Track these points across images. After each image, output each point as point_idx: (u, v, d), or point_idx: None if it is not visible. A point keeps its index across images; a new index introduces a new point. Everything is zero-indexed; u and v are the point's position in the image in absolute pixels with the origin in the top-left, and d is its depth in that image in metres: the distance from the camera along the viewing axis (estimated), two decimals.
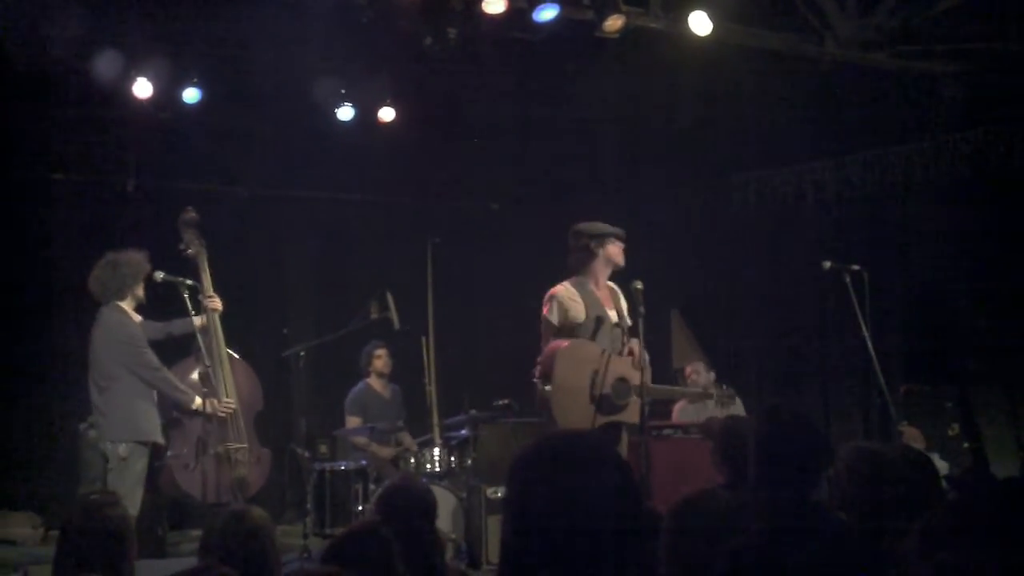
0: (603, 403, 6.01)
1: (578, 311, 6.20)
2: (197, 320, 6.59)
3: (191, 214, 6.83)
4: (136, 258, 6.48)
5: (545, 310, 6.25)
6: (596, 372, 5.99)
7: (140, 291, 6.48)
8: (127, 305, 6.44)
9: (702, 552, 3.12)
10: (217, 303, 6.73)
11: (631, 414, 6.05)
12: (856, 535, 3.29)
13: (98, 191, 9.02)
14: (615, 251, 6.42)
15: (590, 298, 6.27)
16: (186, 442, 6.52)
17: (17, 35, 7.27)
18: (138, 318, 6.49)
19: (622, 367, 6.09)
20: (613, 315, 6.30)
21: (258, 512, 3.43)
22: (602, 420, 6.01)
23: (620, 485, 2.08)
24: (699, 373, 8.07)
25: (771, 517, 3.27)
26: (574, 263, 6.39)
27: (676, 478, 6.02)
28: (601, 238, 6.39)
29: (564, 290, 6.26)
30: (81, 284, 6.53)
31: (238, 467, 6.47)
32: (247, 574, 3.17)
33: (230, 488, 6.42)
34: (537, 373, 6.13)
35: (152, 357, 6.39)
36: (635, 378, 5.99)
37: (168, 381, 6.40)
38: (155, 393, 6.41)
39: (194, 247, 6.77)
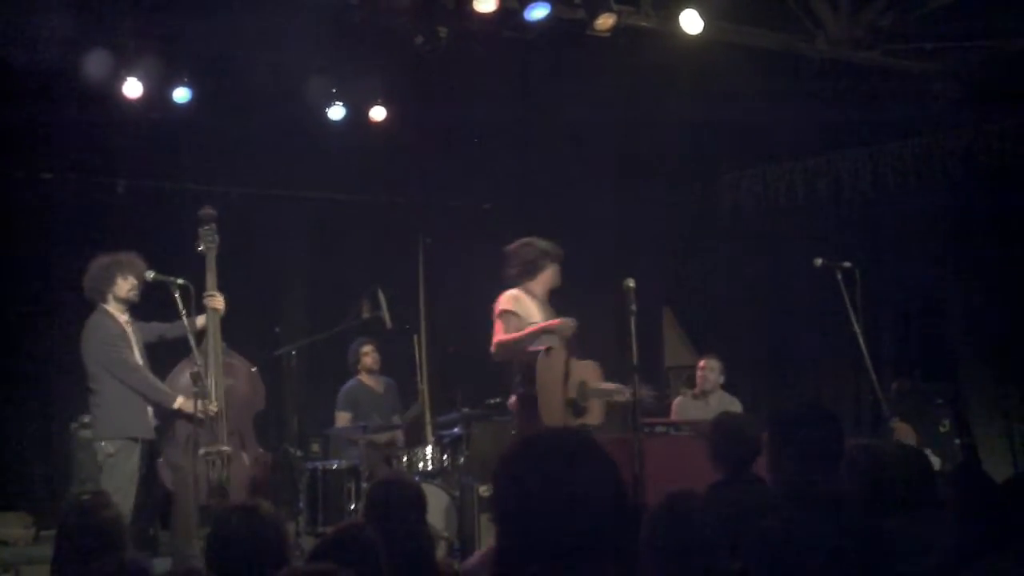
0: (574, 407, 6.11)
1: (533, 313, 6.28)
2: (199, 319, 6.59)
3: (210, 211, 6.83)
4: (113, 260, 6.49)
5: (507, 305, 6.26)
6: (567, 376, 6.10)
7: (123, 292, 6.45)
8: (112, 306, 6.46)
9: (680, 554, 3.14)
10: (219, 302, 6.71)
11: (594, 416, 6.17)
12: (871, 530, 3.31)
13: (88, 191, 8.99)
14: (557, 272, 6.51)
15: (538, 306, 6.36)
16: (177, 442, 6.52)
17: (7, 35, 7.24)
18: (123, 318, 6.48)
19: (582, 371, 6.17)
20: None
21: (267, 506, 3.42)
22: (575, 423, 6.09)
23: (605, 480, 2.08)
24: (712, 370, 8.00)
25: (793, 502, 3.30)
26: (518, 274, 6.48)
27: (670, 476, 6.02)
28: (550, 256, 6.46)
29: (518, 292, 6.34)
30: (72, 284, 6.52)
31: (220, 469, 6.44)
32: (258, 566, 3.17)
33: (212, 491, 6.39)
34: (519, 379, 6.17)
35: (129, 357, 6.38)
36: (593, 381, 6.08)
37: (145, 382, 6.39)
38: None
39: (206, 243, 6.77)
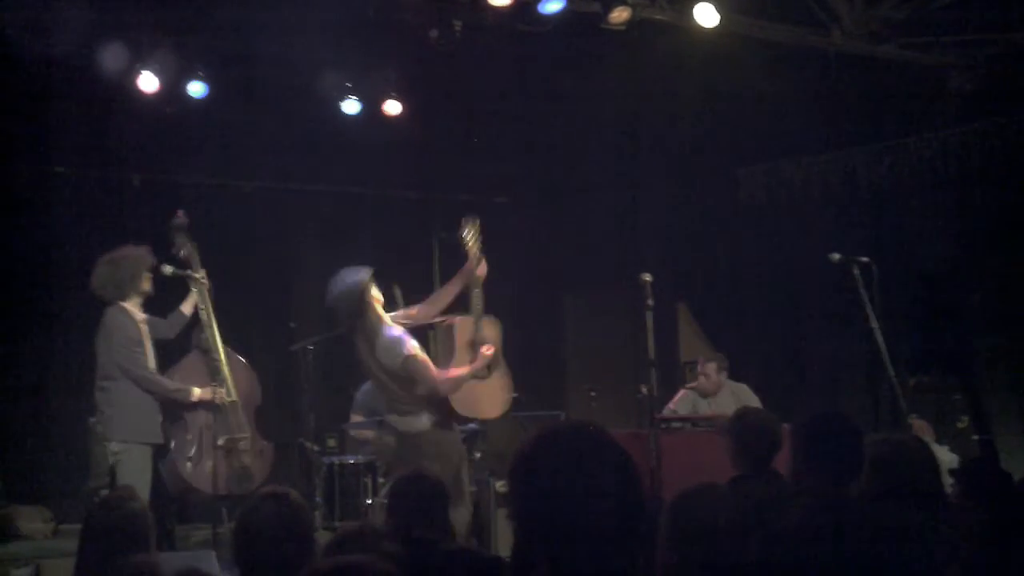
0: None
1: None
2: (187, 307, 6.60)
3: (182, 219, 6.81)
4: (134, 255, 6.45)
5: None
6: None
7: (144, 286, 6.46)
8: (131, 304, 6.43)
9: (701, 546, 3.14)
10: (202, 276, 6.70)
11: None
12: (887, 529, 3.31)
13: (103, 185, 9.01)
14: None
15: None
16: (189, 435, 6.54)
17: (23, 28, 7.26)
18: (141, 316, 6.49)
19: None
20: None
21: (295, 494, 3.43)
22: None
23: (621, 474, 2.08)
24: (710, 374, 7.95)
25: (809, 507, 3.29)
26: None
27: (686, 471, 6.03)
28: None
29: None
30: (87, 278, 6.52)
31: (242, 456, 6.50)
32: (286, 553, 3.18)
33: (238, 479, 6.48)
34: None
35: (145, 360, 6.38)
36: None
37: (159, 384, 6.39)
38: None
39: (185, 249, 6.76)
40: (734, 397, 7.68)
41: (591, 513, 2.02)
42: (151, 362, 6.45)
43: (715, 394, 7.85)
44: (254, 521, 3.31)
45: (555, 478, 2.04)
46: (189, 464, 6.53)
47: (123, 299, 6.39)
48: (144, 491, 6.10)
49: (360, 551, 3.13)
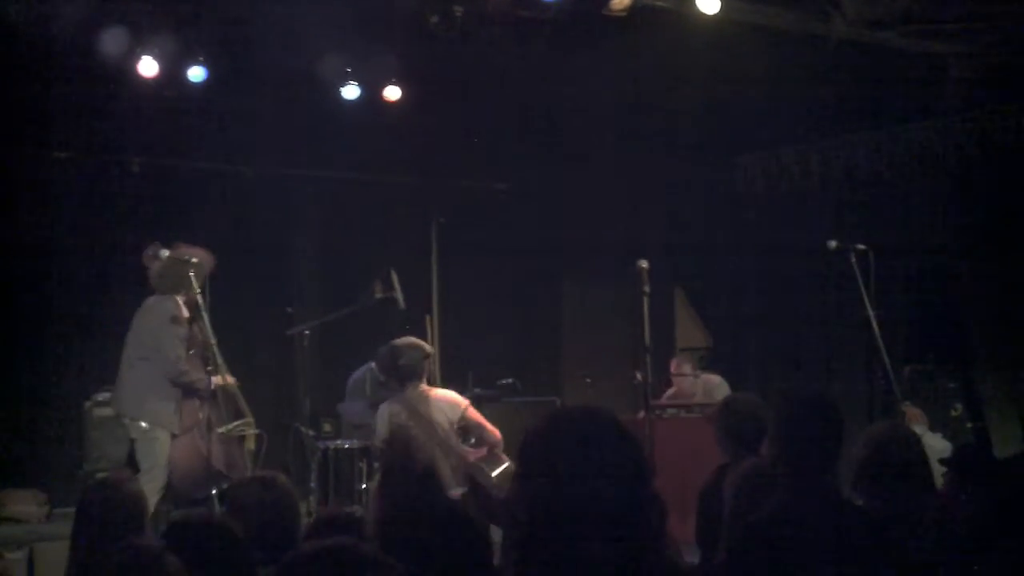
0: None
1: None
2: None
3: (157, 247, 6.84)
4: (206, 258, 6.57)
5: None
6: None
7: (194, 289, 6.58)
8: (181, 299, 6.55)
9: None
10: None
11: None
12: (870, 515, 3.30)
13: (103, 170, 9.02)
14: None
15: None
16: (196, 422, 6.62)
17: (22, 12, 7.25)
18: (187, 314, 6.59)
19: None
20: None
21: (283, 478, 3.46)
22: None
23: (630, 459, 2.09)
24: (684, 376, 7.92)
25: (788, 495, 3.29)
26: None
27: (679, 457, 6.06)
28: None
29: None
30: (85, 263, 6.56)
31: (248, 441, 6.60)
32: (271, 536, 3.21)
33: (242, 464, 6.57)
34: None
35: (184, 355, 6.47)
36: None
37: (188, 375, 6.51)
38: None
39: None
40: (707, 396, 7.67)
41: (600, 495, 2.02)
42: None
43: (696, 387, 7.85)
44: (243, 503, 3.35)
45: (566, 459, 2.05)
46: (211, 450, 6.64)
47: (176, 294, 6.52)
48: (163, 475, 6.22)
49: (340, 534, 3.14)
